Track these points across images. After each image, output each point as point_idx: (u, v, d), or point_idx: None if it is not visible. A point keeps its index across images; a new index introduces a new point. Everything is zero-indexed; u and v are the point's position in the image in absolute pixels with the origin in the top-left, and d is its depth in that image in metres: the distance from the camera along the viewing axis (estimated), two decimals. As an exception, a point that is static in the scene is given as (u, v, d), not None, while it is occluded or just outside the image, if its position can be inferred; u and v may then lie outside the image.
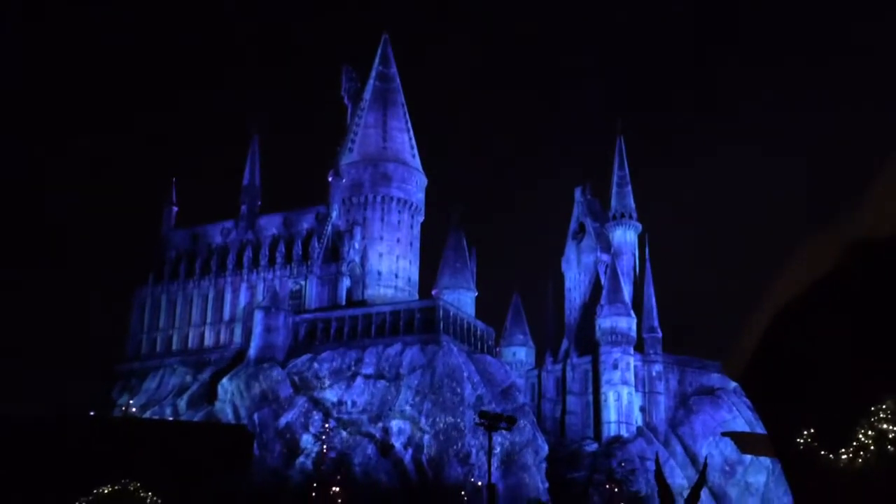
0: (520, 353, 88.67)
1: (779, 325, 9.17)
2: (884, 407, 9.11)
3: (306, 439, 63.91)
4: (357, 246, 76.19)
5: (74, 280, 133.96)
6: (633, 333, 79.75)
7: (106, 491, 32.64)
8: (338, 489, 55.05)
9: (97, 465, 33.48)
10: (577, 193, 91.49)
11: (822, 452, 9.02)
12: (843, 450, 8.92)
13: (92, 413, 66.83)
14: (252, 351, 70.47)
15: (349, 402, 65.73)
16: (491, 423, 38.35)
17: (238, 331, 75.30)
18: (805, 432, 9.17)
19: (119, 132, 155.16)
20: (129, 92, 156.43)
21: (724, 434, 72.15)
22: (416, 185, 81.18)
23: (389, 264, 78.16)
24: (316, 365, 68.70)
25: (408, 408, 64.11)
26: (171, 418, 69.44)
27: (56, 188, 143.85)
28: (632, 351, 79.51)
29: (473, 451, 61.77)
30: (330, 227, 76.55)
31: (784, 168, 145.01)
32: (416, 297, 77.99)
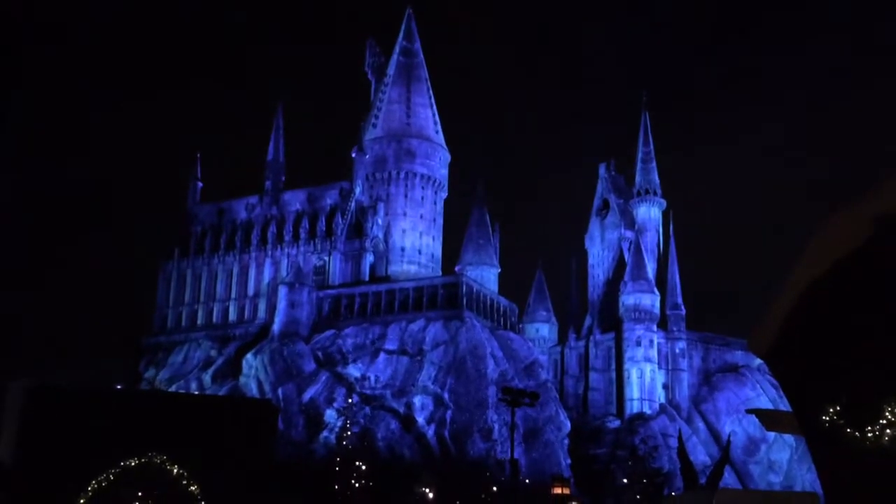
0: (543, 330, 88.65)
1: (805, 301, 9.09)
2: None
3: (330, 414, 64.39)
4: (380, 222, 76.30)
5: (101, 254, 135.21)
6: (657, 310, 79.48)
7: (133, 464, 33.04)
8: (361, 464, 55.43)
9: (124, 438, 33.85)
10: (602, 169, 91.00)
11: (848, 430, 8.95)
12: (870, 427, 8.84)
13: (119, 386, 67.60)
14: (276, 326, 70.94)
15: (372, 378, 66.11)
16: (514, 398, 38.38)
17: (262, 306, 75.79)
18: (831, 409, 9.09)
19: (144, 108, 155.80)
20: (154, 68, 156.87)
21: (748, 411, 71.82)
22: (439, 161, 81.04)
23: (413, 240, 78.24)
24: (339, 340, 69.10)
25: (430, 383, 64.38)
26: (196, 392, 70.13)
27: (82, 164, 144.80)
28: (655, 328, 79.27)
29: (496, 426, 62.00)
30: (353, 203, 76.65)
31: (809, 144, 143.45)
32: (440, 273, 78.11)
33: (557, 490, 47.90)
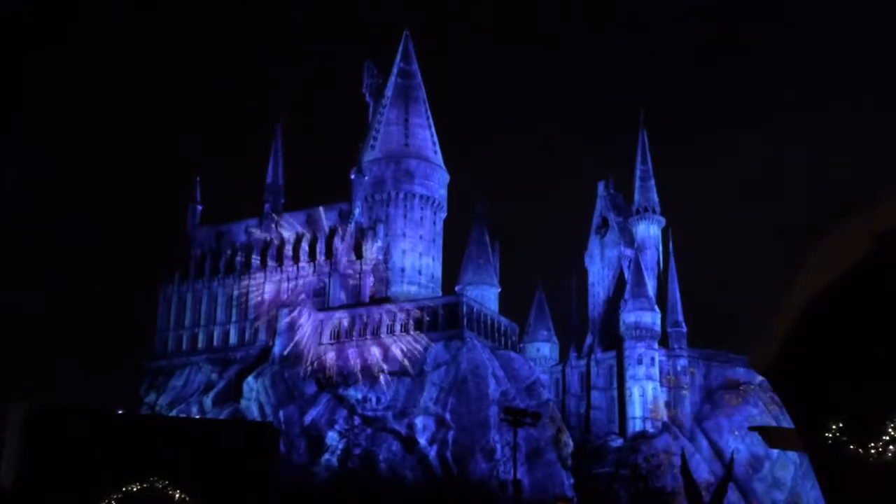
0: (543, 349, 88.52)
1: (806, 318, 9.13)
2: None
3: (331, 436, 64.24)
4: (380, 243, 76.36)
5: (101, 278, 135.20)
6: (658, 328, 79.40)
7: (135, 489, 32.98)
8: (363, 485, 55.30)
9: (126, 462, 33.79)
10: (600, 188, 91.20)
11: (851, 446, 8.97)
12: (872, 443, 8.86)
13: (120, 411, 67.47)
14: (277, 349, 70.89)
15: (373, 399, 66.00)
16: (515, 418, 38.39)
17: (262, 329, 75.73)
18: (833, 426, 9.11)
19: (143, 131, 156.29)
20: (152, 91, 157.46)
21: (750, 428, 71.73)
22: (438, 182, 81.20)
23: (413, 261, 78.26)
24: (340, 362, 69.01)
25: (432, 404, 64.25)
26: (197, 416, 69.99)
27: (81, 186, 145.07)
28: (656, 346, 79.17)
29: (498, 446, 61.82)
30: (353, 225, 76.74)
31: (807, 160, 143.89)
32: (440, 293, 78.08)
33: (561, 510, 47.77)
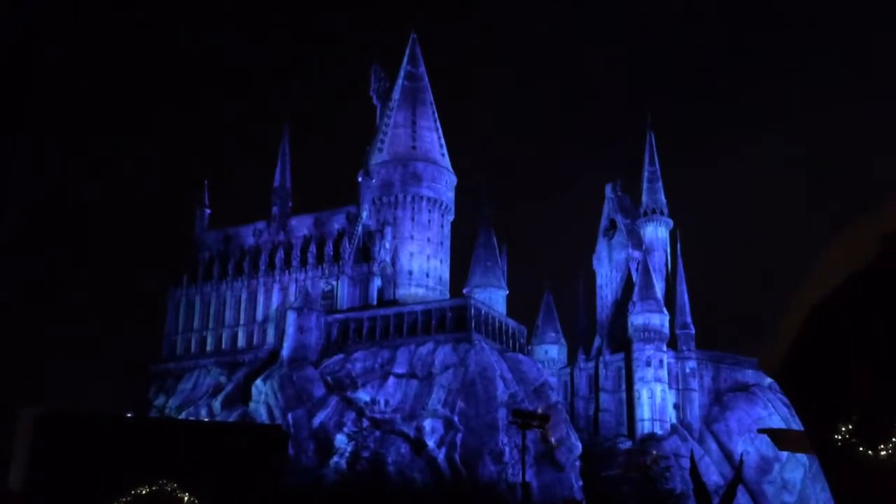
0: (552, 351, 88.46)
1: (815, 320, 9.10)
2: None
3: (340, 439, 64.27)
4: (388, 246, 76.42)
5: (109, 281, 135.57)
6: (666, 330, 79.26)
7: (143, 492, 33.04)
8: (372, 488, 55.30)
9: (135, 465, 33.87)
10: (608, 190, 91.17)
11: (861, 448, 8.94)
12: (883, 445, 8.83)
13: (129, 414, 67.63)
14: (285, 351, 70.97)
15: (382, 402, 66.02)
16: (524, 421, 38.35)
17: (271, 331, 75.85)
18: (843, 428, 9.09)
19: (151, 134, 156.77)
20: (160, 95, 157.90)
21: (760, 431, 71.46)
22: (445, 184, 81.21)
23: (420, 263, 78.29)
24: (348, 365, 69.07)
25: (440, 406, 64.24)
26: (206, 419, 70.10)
27: (89, 190, 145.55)
28: (665, 348, 79.04)
29: (507, 449, 61.77)
30: (360, 228, 76.84)
31: (814, 160, 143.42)
32: (448, 295, 78.09)
33: (570, 512, 47.66)
